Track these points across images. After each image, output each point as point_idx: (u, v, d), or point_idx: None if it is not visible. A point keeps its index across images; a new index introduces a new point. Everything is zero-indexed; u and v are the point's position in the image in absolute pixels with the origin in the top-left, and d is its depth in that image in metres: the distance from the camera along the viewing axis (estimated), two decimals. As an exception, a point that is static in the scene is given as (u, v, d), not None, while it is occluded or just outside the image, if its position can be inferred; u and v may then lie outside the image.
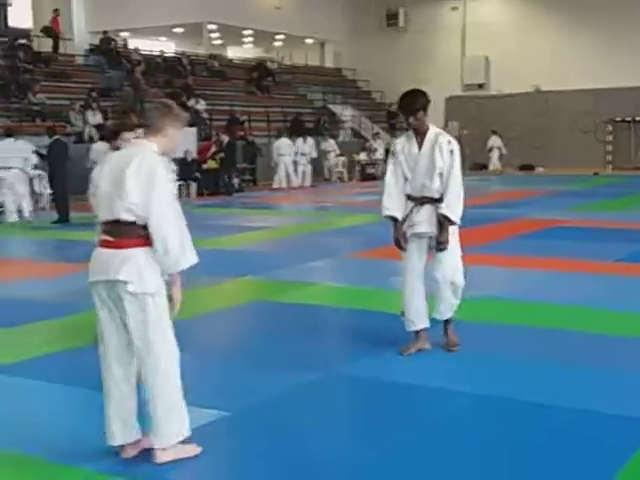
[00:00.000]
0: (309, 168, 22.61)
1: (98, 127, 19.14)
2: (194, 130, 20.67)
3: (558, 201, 16.80)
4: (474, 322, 6.37)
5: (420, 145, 5.30)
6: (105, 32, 25.19)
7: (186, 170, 18.94)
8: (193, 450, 3.81)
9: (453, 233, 5.42)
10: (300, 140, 22.53)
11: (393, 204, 5.34)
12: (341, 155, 24.39)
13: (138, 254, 3.58)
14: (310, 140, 22.93)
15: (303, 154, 22.34)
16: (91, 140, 18.43)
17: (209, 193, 19.52)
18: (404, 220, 5.34)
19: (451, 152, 5.24)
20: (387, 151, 26.97)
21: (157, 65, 25.49)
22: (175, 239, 3.55)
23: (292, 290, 7.80)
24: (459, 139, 25.26)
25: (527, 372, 5.09)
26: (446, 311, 5.50)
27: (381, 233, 12.40)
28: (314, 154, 22.93)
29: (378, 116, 30.32)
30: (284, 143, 21.69)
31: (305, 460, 3.80)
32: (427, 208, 5.31)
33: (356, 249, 10.44)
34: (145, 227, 3.57)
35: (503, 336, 6.02)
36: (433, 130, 5.34)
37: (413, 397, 4.72)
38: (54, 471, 3.69)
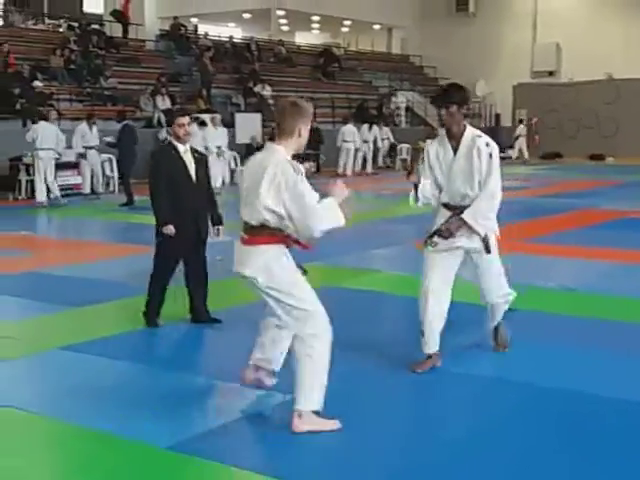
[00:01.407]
0: (370, 155, 22.62)
1: (166, 112, 19.44)
2: (259, 116, 20.80)
3: (628, 192, 16.38)
4: (543, 312, 6.31)
5: (455, 149, 4.79)
6: (175, 18, 25.51)
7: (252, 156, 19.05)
8: (332, 424, 3.93)
9: (493, 246, 4.89)
10: (365, 127, 22.53)
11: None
12: (403, 142, 24.26)
13: (266, 250, 3.88)
14: (375, 127, 22.95)
15: (365, 141, 22.33)
16: (160, 125, 18.76)
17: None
18: (439, 230, 4.88)
19: (490, 155, 4.69)
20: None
21: (225, 51, 25.70)
22: (319, 226, 3.85)
23: (356, 277, 7.80)
24: (529, 127, 24.60)
25: (594, 365, 5.00)
26: (495, 319, 5.18)
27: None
28: (379, 142, 22.98)
29: (445, 103, 29.97)
30: (349, 130, 21.68)
31: (364, 445, 3.80)
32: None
33: (421, 237, 10.35)
34: (273, 227, 3.86)
35: (572, 327, 5.92)
36: (470, 132, 4.78)
37: (472, 387, 4.69)
38: (127, 447, 3.79)
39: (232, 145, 18.75)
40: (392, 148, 24.16)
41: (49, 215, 13.74)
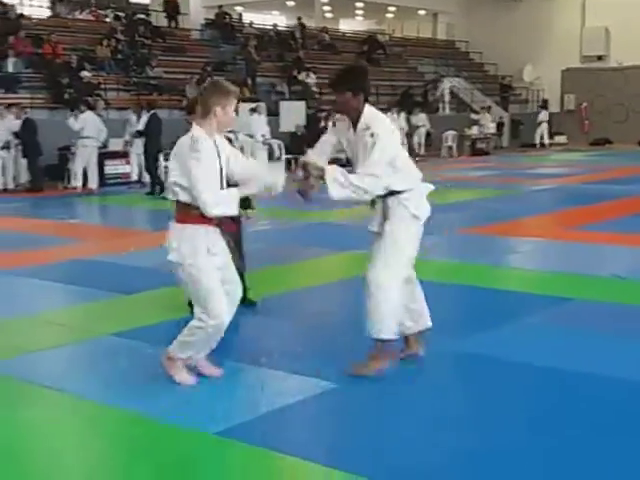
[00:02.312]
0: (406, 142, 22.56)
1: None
2: (303, 104, 20.78)
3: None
4: (594, 301, 6.21)
5: (354, 132, 4.48)
6: (220, 7, 25.57)
7: (296, 144, 19.10)
8: (189, 379, 4.40)
9: (407, 227, 4.49)
10: (402, 114, 22.31)
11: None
12: (449, 129, 24.01)
13: (181, 228, 4.21)
14: (420, 115, 22.87)
15: (402, 128, 22.21)
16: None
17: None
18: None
19: (372, 135, 4.32)
20: (498, 125, 26.39)
21: (270, 39, 25.72)
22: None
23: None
24: (579, 112, 24.08)
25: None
26: (371, 325, 4.51)
27: (494, 209, 12.20)
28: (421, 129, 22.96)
29: (491, 89, 29.65)
30: (390, 118, 21.58)
31: (405, 437, 3.78)
32: (378, 205, 4.57)
33: (467, 224, 10.28)
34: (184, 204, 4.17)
35: (624, 316, 5.81)
36: (364, 120, 4.41)
37: (523, 376, 4.63)
38: (178, 433, 3.83)
39: (276, 133, 18.77)
40: (428, 136, 23.73)
41: (97, 203, 13.93)
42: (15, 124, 14.94)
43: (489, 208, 11.96)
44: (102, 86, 18.60)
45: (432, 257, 8.30)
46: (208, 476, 3.44)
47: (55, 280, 7.27)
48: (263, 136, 17.09)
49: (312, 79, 23.37)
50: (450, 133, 24.00)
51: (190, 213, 4.14)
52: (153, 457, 3.61)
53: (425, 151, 23.46)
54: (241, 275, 4.74)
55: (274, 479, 3.50)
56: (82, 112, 14.89)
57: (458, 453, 3.59)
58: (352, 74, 4.54)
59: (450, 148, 23.95)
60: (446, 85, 27.37)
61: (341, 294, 6.91)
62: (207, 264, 4.18)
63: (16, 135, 14.96)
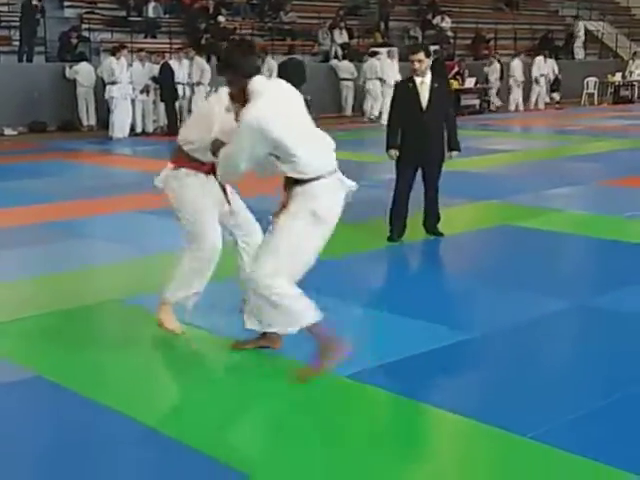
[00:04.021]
0: (544, 90, 21.49)
1: (343, 46, 19.42)
2: (437, 49, 20.25)
3: None
4: None
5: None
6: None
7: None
8: (176, 327, 4.30)
9: (294, 215, 3.71)
10: (539, 59, 21.34)
11: None
12: (590, 76, 22.85)
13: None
14: (550, 61, 21.77)
15: (542, 75, 21.21)
16: (336, 58, 18.81)
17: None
18: None
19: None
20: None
21: (405, -19, 25.17)
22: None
23: (537, 216, 7.53)
24: None
25: None
26: (259, 321, 3.90)
27: (637, 160, 11.59)
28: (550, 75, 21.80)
29: (637, 34, 27.97)
30: (515, 64, 20.72)
31: (544, 393, 3.69)
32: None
33: (608, 176, 9.85)
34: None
35: None
36: (253, 97, 3.64)
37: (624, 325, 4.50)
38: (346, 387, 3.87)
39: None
40: (555, 82, 22.50)
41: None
42: (154, 69, 15.41)
43: (631, 159, 11.41)
44: (237, 31, 18.81)
45: (567, 208, 8.04)
46: (336, 417, 3.50)
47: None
48: (395, 82, 16.86)
49: (447, 23, 22.77)
50: (591, 79, 22.87)
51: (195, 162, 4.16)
52: (286, 395, 3.69)
53: (550, 100, 22.16)
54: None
55: (405, 425, 3.53)
56: (191, 58, 15.44)
57: (602, 407, 3.48)
58: (227, 54, 3.81)
59: (591, 95, 22.86)
60: (580, 28, 25.90)
61: (477, 244, 6.81)
62: (206, 198, 4.16)
63: (154, 80, 15.44)
